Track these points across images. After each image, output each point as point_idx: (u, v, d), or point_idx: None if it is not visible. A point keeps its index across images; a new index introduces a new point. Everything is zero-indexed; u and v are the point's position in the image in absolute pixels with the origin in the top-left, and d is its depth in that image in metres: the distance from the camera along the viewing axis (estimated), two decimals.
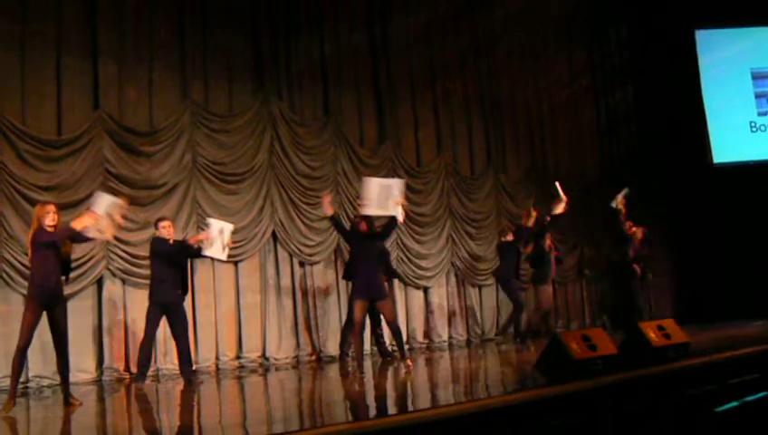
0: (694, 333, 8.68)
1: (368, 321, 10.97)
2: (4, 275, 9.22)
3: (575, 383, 6.14)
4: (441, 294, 13.34)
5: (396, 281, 12.55)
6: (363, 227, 9.15)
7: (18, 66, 9.61)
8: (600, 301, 15.81)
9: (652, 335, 7.47)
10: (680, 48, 17.09)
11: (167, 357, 10.28)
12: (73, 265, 9.49)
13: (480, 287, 13.97)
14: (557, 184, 11.64)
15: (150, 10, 10.72)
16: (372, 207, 8.99)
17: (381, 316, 10.68)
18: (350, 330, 10.56)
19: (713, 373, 7.21)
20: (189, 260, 9.48)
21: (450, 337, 13.33)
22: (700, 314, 14.79)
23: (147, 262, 10.17)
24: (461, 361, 10.79)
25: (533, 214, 11.81)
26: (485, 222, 14.13)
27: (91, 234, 7.45)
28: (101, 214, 7.49)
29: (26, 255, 9.21)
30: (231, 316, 11.00)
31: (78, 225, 7.32)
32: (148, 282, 10.19)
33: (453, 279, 13.59)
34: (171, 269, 8.88)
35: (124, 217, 8.22)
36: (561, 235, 15.07)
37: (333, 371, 10.05)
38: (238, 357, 10.97)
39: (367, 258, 9.04)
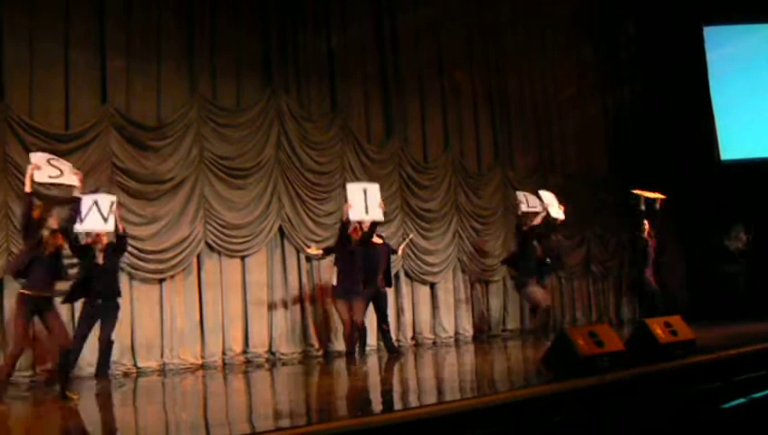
0: (701, 330, 8.65)
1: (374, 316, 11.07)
2: None
3: (582, 379, 6.14)
4: (448, 290, 13.32)
5: (402, 276, 12.59)
6: (358, 234, 10.03)
7: (26, 60, 9.64)
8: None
9: (659, 332, 7.46)
10: (688, 44, 17.02)
11: (173, 352, 10.32)
12: None
13: (487, 283, 13.95)
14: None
15: (158, 4, 10.73)
16: (358, 213, 9.99)
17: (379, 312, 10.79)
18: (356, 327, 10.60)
19: (719, 370, 7.20)
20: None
21: (457, 333, 13.31)
22: (707, 312, 14.74)
23: (154, 256, 10.25)
24: (467, 356, 10.79)
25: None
26: (492, 218, 14.10)
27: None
28: (41, 163, 7.94)
29: None
30: (238, 311, 11.01)
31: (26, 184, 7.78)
32: (156, 276, 10.29)
33: (459, 275, 13.57)
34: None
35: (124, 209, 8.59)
36: (569, 231, 15.10)
37: (340, 366, 10.06)
38: (245, 352, 10.98)
39: (353, 262, 10.03)
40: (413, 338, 12.72)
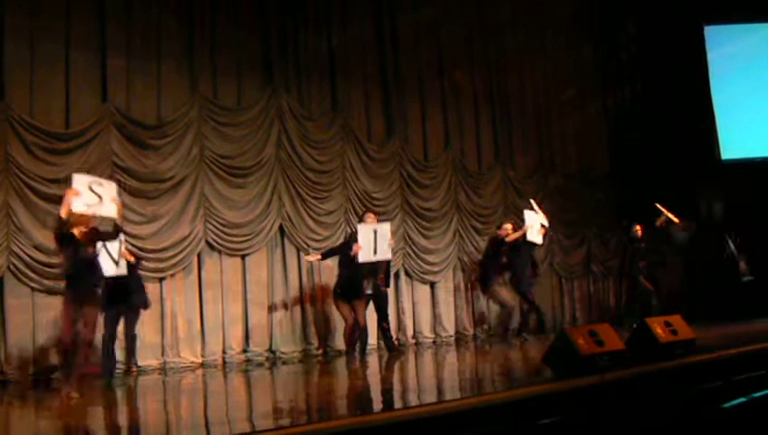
0: (701, 329, 8.66)
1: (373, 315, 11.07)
2: (12, 268, 9.26)
3: (582, 379, 6.14)
4: (448, 289, 13.33)
5: (403, 275, 12.62)
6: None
7: (27, 59, 9.65)
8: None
9: (659, 331, 7.47)
10: (688, 43, 17.02)
11: (173, 351, 10.33)
12: None
13: None
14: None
15: (158, 4, 10.74)
16: (366, 254, 10.09)
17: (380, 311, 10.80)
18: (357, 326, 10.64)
19: (720, 370, 7.20)
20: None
21: (457, 332, 13.32)
22: (708, 311, 14.73)
23: (154, 255, 10.26)
24: (467, 356, 10.79)
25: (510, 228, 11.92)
26: (492, 217, 14.09)
27: (79, 208, 7.30)
28: (81, 188, 7.37)
29: (35, 248, 9.32)
30: (238, 310, 11.02)
31: (63, 210, 7.25)
32: (156, 275, 10.29)
33: (460, 274, 13.57)
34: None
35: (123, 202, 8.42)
36: (571, 230, 15.14)
37: (340, 365, 10.06)
38: (245, 351, 10.99)
39: (354, 266, 10.13)
40: (413, 337, 12.73)
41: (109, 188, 7.66)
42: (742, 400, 6.37)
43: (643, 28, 17.33)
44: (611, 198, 15.83)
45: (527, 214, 11.85)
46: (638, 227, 13.13)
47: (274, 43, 11.72)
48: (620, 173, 16.11)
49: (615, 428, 5.66)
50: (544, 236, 12.02)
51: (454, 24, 14.02)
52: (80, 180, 7.48)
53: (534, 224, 11.75)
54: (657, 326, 7.53)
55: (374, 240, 10.11)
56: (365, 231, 10.17)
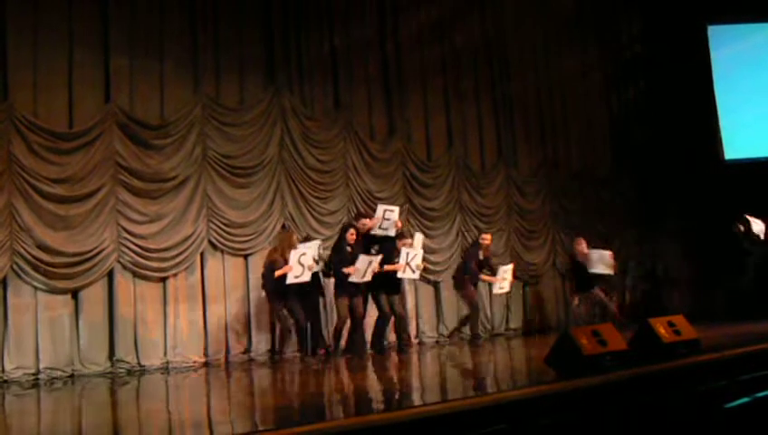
0: (704, 329, 8.63)
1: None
2: (15, 268, 9.27)
3: (584, 379, 6.13)
4: (451, 289, 13.31)
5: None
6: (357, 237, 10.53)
7: (30, 59, 9.66)
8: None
9: (662, 331, 7.44)
10: (692, 43, 17.00)
11: (176, 350, 10.34)
12: (83, 257, 9.63)
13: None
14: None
15: (161, 3, 10.75)
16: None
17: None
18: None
19: (723, 369, 7.18)
20: None
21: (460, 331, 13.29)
22: (712, 312, 14.71)
23: (157, 254, 10.26)
24: (470, 355, 10.77)
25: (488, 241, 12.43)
26: (495, 217, 14.10)
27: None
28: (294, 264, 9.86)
29: (38, 247, 9.33)
30: (240, 310, 11.02)
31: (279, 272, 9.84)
32: (159, 275, 10.30)
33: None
34: None
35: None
36: (573, 230, 15.10)
37: (342, 364, 10.05)
38: (247, 350, 10.99)
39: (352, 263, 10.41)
40: (416, 337, 12.72)
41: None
42: (746, 399, 6.36)
43: (647, 28, 17.30)
44: (615, 197, 15.81)
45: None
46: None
47: (277, 43, 11.73)
48: (624, 172, 16.09)
49: (619, 428, 5.65)
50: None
51: (457, 23, 14.02)
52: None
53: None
54: (660, 326, 7.51)
55: (368, 265, 10.40)
56: (362, 261, 10.37)
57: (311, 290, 10.51)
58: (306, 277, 10.03)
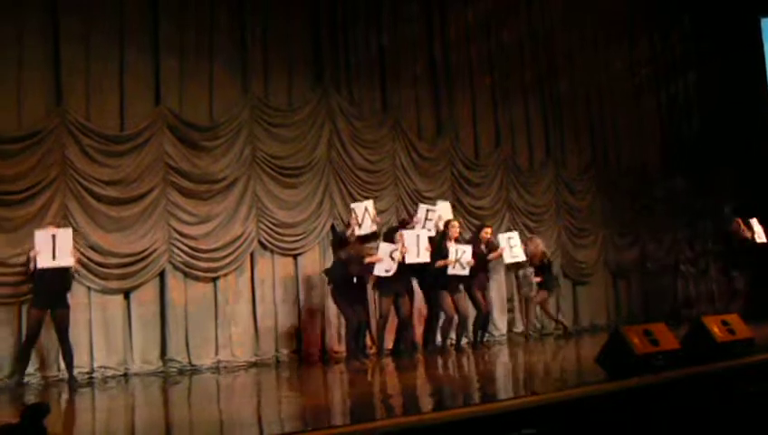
0: (759, 328, 8.48)
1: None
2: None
3: (636, 378, 6.06)
4: (500, 288, 13.24)
5: None
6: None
7: (82, 62, 9.80)
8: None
9: (716, 330, 7.34)
10: (744, 36, 16.72)
11: (226, 350, 10.41)
12: (135, 258, 9.76)
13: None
14: None
15: (211, 3, 10.83)
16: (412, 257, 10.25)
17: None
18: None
19: None
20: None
21: (509, 331, 13.23)
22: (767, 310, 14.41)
23: (207, 255, 10.36)
24: (520, 355, 10.72)
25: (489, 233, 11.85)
26: (545, 216, 14.00)
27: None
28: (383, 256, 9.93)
29: (90, 248, 9.48)
30: (291, 310, 11.06)
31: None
32: (209, 275, 10.39)
33: (512, 274, 13.46)
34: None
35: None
36: (623, 228, 14.96)
37: (392, 364, 10.06)
38: (297, 350, 11.02)
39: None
40: (465, 336, 12.62)
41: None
42: None
43: (698, 22, 17.03)
44: (666, 194, 15.61)
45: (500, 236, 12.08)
46: None
47: (325, 43, 11.76)
48: (674, 169, 15.87)
49: (670, 428, 5.58)
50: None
51: (505, 21, 13.96)
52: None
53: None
54: (714, 325, 7.40)
55: (417, 243, 10.28)
56: (409, 236, 10.31)
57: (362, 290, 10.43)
58: (392, 272, 10.08)
